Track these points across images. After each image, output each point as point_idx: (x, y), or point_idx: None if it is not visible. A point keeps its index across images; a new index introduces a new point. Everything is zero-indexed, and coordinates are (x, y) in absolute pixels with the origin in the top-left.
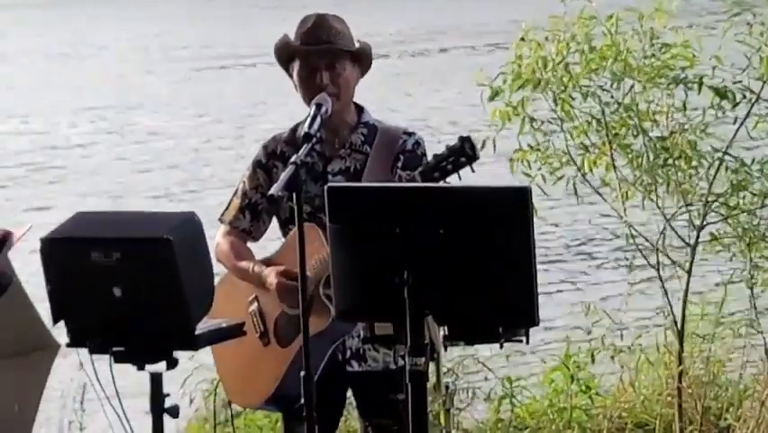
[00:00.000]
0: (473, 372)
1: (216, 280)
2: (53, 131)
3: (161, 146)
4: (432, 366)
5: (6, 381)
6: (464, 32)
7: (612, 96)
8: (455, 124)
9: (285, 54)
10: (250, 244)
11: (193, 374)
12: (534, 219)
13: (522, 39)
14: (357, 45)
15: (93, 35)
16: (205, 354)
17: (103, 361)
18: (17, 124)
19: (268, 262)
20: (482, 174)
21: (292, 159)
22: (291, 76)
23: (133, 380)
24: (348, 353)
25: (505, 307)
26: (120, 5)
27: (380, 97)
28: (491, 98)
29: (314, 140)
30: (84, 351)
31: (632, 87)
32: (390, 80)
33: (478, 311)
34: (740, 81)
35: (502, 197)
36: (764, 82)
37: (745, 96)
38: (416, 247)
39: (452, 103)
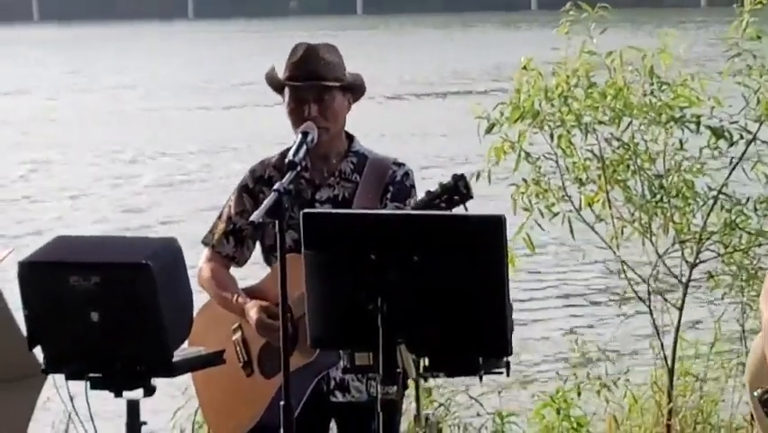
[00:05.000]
0: (465, 406)
1: (200, 306)
2: None
3: None
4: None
5: None
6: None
7: (611, 134)
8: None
9: (274, 85)
10: (233, 270)
11: (185, 406)
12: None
13: (524, 68)
14: (347, 76)
15: None
16: None
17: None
18: None
19: (251, 291)
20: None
21: (275, 186)
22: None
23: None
24: (332, 383)
25: (476, 335)
26: None
27: None
28: (488, 131)
29: (298, 168)
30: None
31: (629, 124)
32: None
33: (450, 339)
34: (736, 122)
35: (476, 225)
36: (761, 123)
37: (742, 137)
38: (389, 274)
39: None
